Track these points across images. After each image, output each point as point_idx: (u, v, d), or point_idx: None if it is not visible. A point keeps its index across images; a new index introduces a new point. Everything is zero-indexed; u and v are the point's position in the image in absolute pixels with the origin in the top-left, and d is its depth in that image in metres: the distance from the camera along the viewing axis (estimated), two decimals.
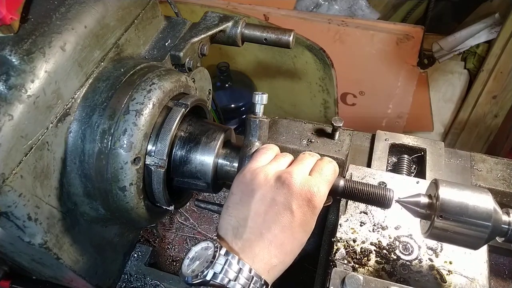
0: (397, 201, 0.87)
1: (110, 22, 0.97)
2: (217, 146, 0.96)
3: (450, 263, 0.95)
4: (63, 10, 0.89)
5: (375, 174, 1.12)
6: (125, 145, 0.86)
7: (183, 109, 0.95)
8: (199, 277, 0.72)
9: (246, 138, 0.93)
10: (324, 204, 0.83)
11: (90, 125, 0.89)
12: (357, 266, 0.95)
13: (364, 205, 1.06)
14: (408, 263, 0.96)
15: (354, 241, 1.00)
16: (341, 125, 1.22)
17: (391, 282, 0.85)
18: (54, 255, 0.92)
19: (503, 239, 0.82)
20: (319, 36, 2.13)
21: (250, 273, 0.72)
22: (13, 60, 0.78)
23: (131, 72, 0.95)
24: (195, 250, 0.77)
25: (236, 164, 0.95)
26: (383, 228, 1.02)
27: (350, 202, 1.07)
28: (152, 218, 1.00)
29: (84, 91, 0.91)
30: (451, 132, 2.53)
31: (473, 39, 2.29)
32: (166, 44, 1.13)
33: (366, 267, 0.95)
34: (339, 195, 0.89)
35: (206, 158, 0.95)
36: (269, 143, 0.93)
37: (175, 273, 1.30)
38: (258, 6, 2.24)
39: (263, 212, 0.77)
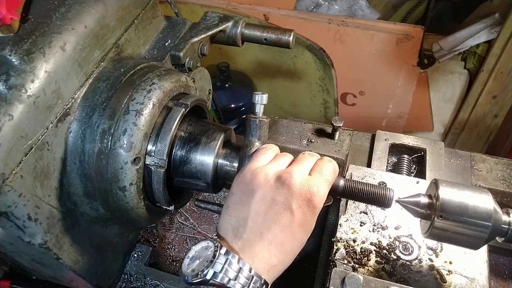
0: (397, 201, 0.87)
1: (110, 22, 0.97)
2: (217, 146, 0.96)
3: (450, 263, 0.95)
4: (63, 10, 0.89)
5: (375, 174, 1.12)
6: (125, 145, 0.86)
7: (183, 109, 0.95)
8: (199, 276, 0.72)
9: (246, 138, 0.93)
10: (325, 204, 0.83)
11: (90, 125, 0.89)
12: (357, 266, 0.95)
13: (364, 205, 1.06)
14: (408, 263, 0.96)
15: (354, 241, 1.00)
16: (341, 125, 1.22)
17: (391, 282, 0.85)
18: (54, 255, 0.92)
19: (503, 239, 0.82)
20: (319, 36, 2.13)
21: (250, 272, 0.72)
22: (13, 60, 0.78)
23: (131, 72, 0.95)
24: (195, 249, 0.77)
25: (236, 164, 0.95)
26: (383, 228, 1.02)
27: (350, 202, 1.07)
28: (152, 218, 1.00)
29: (84, 91, 0.91)
30: (451, 132, 2.53)
31: (473, 39, 2.29)
32: (166, 44, 1.13)
33: (366, 267, 0.95)
34: (339, 195, 0.89)
35: (206, 158, 0.95)
36: (269, 143, 0.93)
37: (175, 273, 1.30)
38: (258, 6, 2.24)
39: (263, 212, 0.77)
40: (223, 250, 0.74)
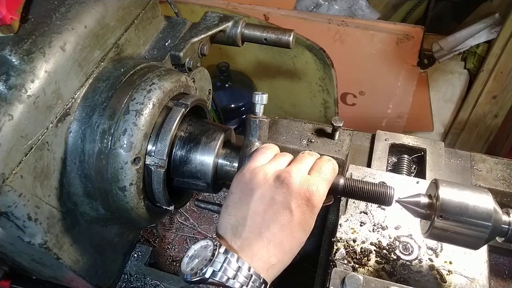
0: (397, 201, 0.87)
1: (110, 22, 0.97)
2: (217, 146, 0.96)
3: (450, 263, 0.95)
4: (63, 10, 0.89)
5: (375, 174, 1.12)
6: (125, 145, 0.86)
7: (183, 109, 0.95)
8: (198, 274, 0.72)
9: (246, 138, 0.93)
10: (325, 203, 0.83)
11: (90, 125, 0.89)
12: (357, 266, 0.95)
13: (364, 205, 1.06)
14: (408, 263, 0.96)
15: (354, 241, 1.00)
16: (341, 125, 1.22)
17: (391, 282, 0.85)
18: (54, 255, 0.92)
19: (503, 239, 0.82)
20: (319, 36, 2.13)
21: (249, 271, 0.73)
22: (13, 60, 0.78)
23: (131, 72, 0.95)
24: (195, 248, 0.77)
25: (236, 164, 0.95)
26: (383, 228, 1.02)
27: (350, 202, 1.07)
28: (152, 218, 1.00)
29: (84, 91, 0.91)
30: (451, 132, 2.53)
31: (473, 39, 2.29)
32: (166, 44, 1.13)
33: (366, 267, 0.95)
34: (340, 194, 0.89)
35: (206, 158, 0.95)
36: (269, 143, 0.93)
37: (175, 273, 1.30)
38: (258, 6, 2.24)
39: (262, 211, 0.77)
40: (222, 249, 0.74)
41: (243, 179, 0.82)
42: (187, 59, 1.11)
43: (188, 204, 1.42)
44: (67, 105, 0.87)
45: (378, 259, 0.97)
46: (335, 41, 2.23)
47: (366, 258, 0.97)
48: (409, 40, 2.15)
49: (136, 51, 1.08)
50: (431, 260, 0.96)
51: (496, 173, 1.17)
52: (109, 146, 0.87)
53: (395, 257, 0.97)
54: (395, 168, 1.22)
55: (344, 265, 0.95)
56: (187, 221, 1.44)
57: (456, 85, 2.50)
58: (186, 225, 1.43)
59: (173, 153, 0.96)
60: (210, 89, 1.32)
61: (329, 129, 1.29)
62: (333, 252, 0.98)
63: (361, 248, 0.98)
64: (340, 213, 1.05)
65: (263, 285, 0.74)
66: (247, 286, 0.72)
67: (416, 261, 0.96)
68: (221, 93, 2.30)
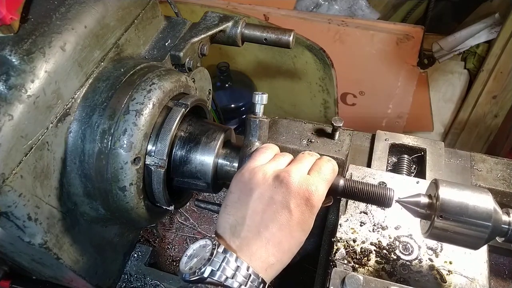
0: (397, 201, 0.87)
1: (110, 22, 0.97)
2: (217, 146, 0.96)
3: (450, 263, 0.95)
4: (63, 10, 0.89)
5: (375, 174, 1.12)
6: (125, 145, 0.86)
7: (183, 109, 0.95)
8: (196, 274, 0.72)
9: (246, 138, 0.93)
10: (325, 204, 0.83)
11: (90, 125, 0.89)
12: (357, 266, 0.95)
13: (364, 205, 1.06)
14: (408, 263, 0.96)
15: (354, 241, 1.00)
16: (341, 125, 1.22)
17: (391, 282, 0.85)
18: (54, 255, 0.92)
19: (503, 239, 0.82)
20: (319, 36, 2.13)
21: (247, 271, 0.73)
22: (13, 60, 0.78)
23: (131, 72, 0.95)
24: (193, 247, 0.77)
25: (236, 164, 0.95)
26: (383, 228, 1.02)
27: (350, 202, 1.07)
28: (152, 218, 1.00)
29: (84, 91, 0.91)
30: (451, 132, 2.53)
31: (473, 39, 2.29)
32: (166, 44, 1.13)
33: (366, 267, 0.95)
34: (339, 195, 0.89)
35: (206, 158, 0.95)
36: (269, 143, 0.93)
37: (175, 273, 1.30)
38: (258, 6, 2.24)
39: (261, 210, 0.77)
40: (220, 248, 0.74)
41: (242, 178, 0.82)
42: (187, 59, 1.11)
43: (188, 204, 1.42)
44: (67, 105, 0.87)
45: (378, 259, 0.97)
46: (335, 41, 2.23)
47: (366, 258, 0.97)
48: (409, 40, 2.15)
49: (136, 51, 1.08)
50: (431, 260, 0.96)
51: (496, 173, 1.17)
52: (109, 146, 0.87)
53: (395, 257, 0.97)
54: (395, 168, 1.22)
55: (344, 265, 0.95)
56: (187, 221, 1.44)
57: (456, 85, 2.50)
58: (186, 225, 1.43)
59: (173, 153, 0.96)
60: (210, 89, 1.32)
61: (329, 129, 1.29)
62: (333, 252, 0.98)
63: (361, 248, 0.98)
64: (340, 213, 1.05)
65: (262, 284, 0.74)
66: (245, 286, 0.72)
67: (416, 261, 0.96)
68: (221, 93, 2.30)
